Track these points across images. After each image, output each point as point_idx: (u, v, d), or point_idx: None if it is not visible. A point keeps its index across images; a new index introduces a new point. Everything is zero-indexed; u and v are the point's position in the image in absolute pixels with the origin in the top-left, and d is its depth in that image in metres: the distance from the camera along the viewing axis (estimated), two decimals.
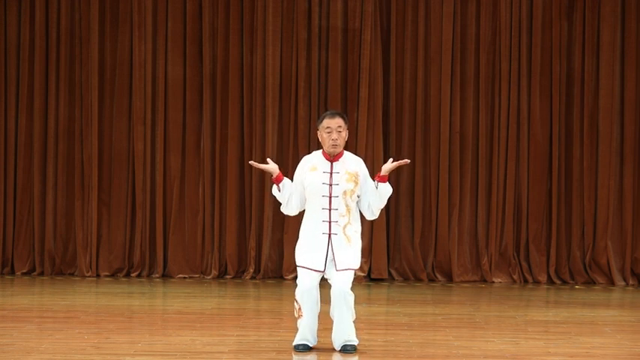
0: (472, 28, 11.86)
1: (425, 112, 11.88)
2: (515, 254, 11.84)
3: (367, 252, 11.73)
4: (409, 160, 7.44)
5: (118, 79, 11.97)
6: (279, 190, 7.27)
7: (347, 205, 7.15)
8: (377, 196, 7.21)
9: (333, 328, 7.19)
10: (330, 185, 7.17)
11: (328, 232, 7.13)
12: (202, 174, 11.90)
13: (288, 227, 11.57)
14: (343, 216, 7.15)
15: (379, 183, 7.19)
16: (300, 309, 7.18)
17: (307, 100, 11.77)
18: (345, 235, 7.14)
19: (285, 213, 7.43)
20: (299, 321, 7.25)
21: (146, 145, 11.87)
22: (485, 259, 11.80)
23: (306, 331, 7.22)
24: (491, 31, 11.87)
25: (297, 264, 7.23)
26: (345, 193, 7.15)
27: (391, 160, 7.33)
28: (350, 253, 7.15)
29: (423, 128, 11.89)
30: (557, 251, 11.81)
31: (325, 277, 7.21)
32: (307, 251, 7.18)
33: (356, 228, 7.21)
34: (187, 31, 11.92)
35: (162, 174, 11.91)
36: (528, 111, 11.82)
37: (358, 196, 7.22)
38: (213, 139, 11.89)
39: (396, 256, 11.93)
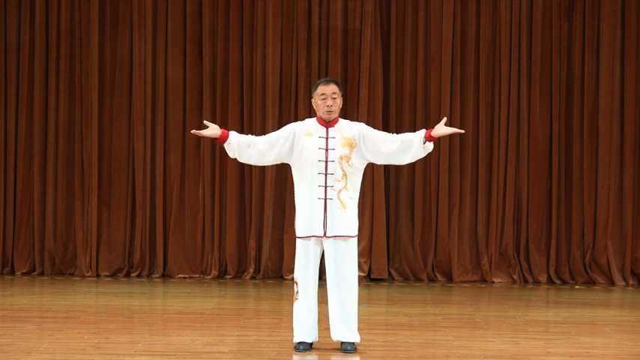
0: (472, 28, 11.86)
1: (425, 112, 11.88)
2: (515, 254, 11.84)
3: (367, 252, 11.74)
4: (464, 131, 7.32)
5: (118, 79, 11.97)
6: (228, 149, 7.23)
7: (343, 170, 7.12)
8: (420, 150, 7.14)
9: (329, 312, 7.15)
10: (326, 150, 7.14)
11: (324, 196, 7.10)
12: (202, 174, 11.91)
13: (288, 227, 11.57)
14: (339, 181, 7.11)
15: (427, 142, 7.13)
16: (297, 292, 7.16)
17: (307, 100, 11.76)
18: (339, 200, 7.11)
19: (243, 162, 7.35)
20: (295, 307, 7.20)
21: (146, 145, 11.88)
22: (485, 259, 11.80)
23: (304, 326, 7.15)
24: (491, 31, 11.88)
25: (296, 235, 7.19)
26: (341, 158, 7.12)
27: (444, 120, 7.23)
28: (345, 219, 7.11)
29: (423, 128, 11.87)
30: (557, 251, 11.82)
31: (324, 248, 7.14)
32: (305, 220, 7.13)
33: (352, 195, 7.15)
34: (187, 31, 11.92)
35: (162, 174, 11.91)
36: (528, 111, 11.83)
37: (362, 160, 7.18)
38: (213, 139, 11.88)
39: (396, 256, 11.93)
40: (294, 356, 7.11)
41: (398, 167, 11.91)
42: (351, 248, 7.16)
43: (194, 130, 7.38)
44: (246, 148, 7.24)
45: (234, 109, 11.86)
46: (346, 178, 7.13)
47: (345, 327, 7.16)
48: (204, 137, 7.39)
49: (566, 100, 11.84)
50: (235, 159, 7.35)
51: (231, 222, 11.84)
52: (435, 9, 11.83)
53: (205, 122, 7.34)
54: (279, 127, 11.63)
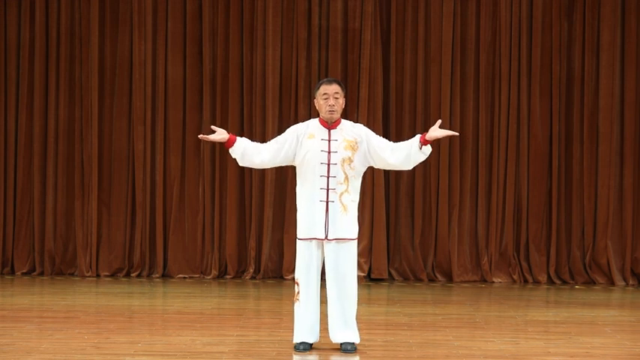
0: (472, 28, 11.86)
1: (425, 112, 11.88)
2: (515, 254, 11.84)
3: (367, 252, 11.74)
4: (458, 134, 7.36)
5: (118, 79, 11.97)
6: (233, 153, 7.24)
7: (345, 173, 7.13)
8: (419, 155, 7.16)
9: (329, 314, 7.16)
10: (329, 152, 7.15)
11: (326, 199, 7.11)
12: (202, 174, 11.91)
13: (289, 227, 11.58)
14: (341, 184, 7.12)
15: (423, 145, 7.15)
16: (298, 293, 7.16)
17: (307, 100, 11.77)
18: (341, 202, 7.12)
19: (245, 166, 7.36)
20: (295, 308, 7.21)
21: (146, 145, 11.88)
22: (485, 259, 11.80)
23: (304, 326, 7.17)
24: (491, 31, 11.88)
25: (298, 237, 7.21)
26: (343, 160, 7.13)
27: (439, 122, 7.24)
28: (346, 222, 7.12)
29: (423, 128, 11.87)
30: (557, 251, 11.82)
31: (325, 251, 7.15)
32: (306, 222, 7.14)
33: (353, 197, 7.17)
34: (187, 31, 11.92)
35: (162, 174, 11.91)
36: (528, 111, 11.83)
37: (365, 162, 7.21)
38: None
39: (396, 256, 11.93)
40: (294, 356, 7.11)
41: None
42: (352, 250, 7.18)
43: (202, 135, 7.38)
44: (254, 155, 7.22)
45: (234, 109, 11.85)
46: (348, 181, 7.14)
47: (346, 328, 7.18)
48: (211, 142, 7.36)
49: (566, 100, 11.84)
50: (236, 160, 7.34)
51: (231, 222, 11.84)
52: (435, 9, 11.83)
53: (213, 127, 7.32)
54: (279, 127, 11.78)
